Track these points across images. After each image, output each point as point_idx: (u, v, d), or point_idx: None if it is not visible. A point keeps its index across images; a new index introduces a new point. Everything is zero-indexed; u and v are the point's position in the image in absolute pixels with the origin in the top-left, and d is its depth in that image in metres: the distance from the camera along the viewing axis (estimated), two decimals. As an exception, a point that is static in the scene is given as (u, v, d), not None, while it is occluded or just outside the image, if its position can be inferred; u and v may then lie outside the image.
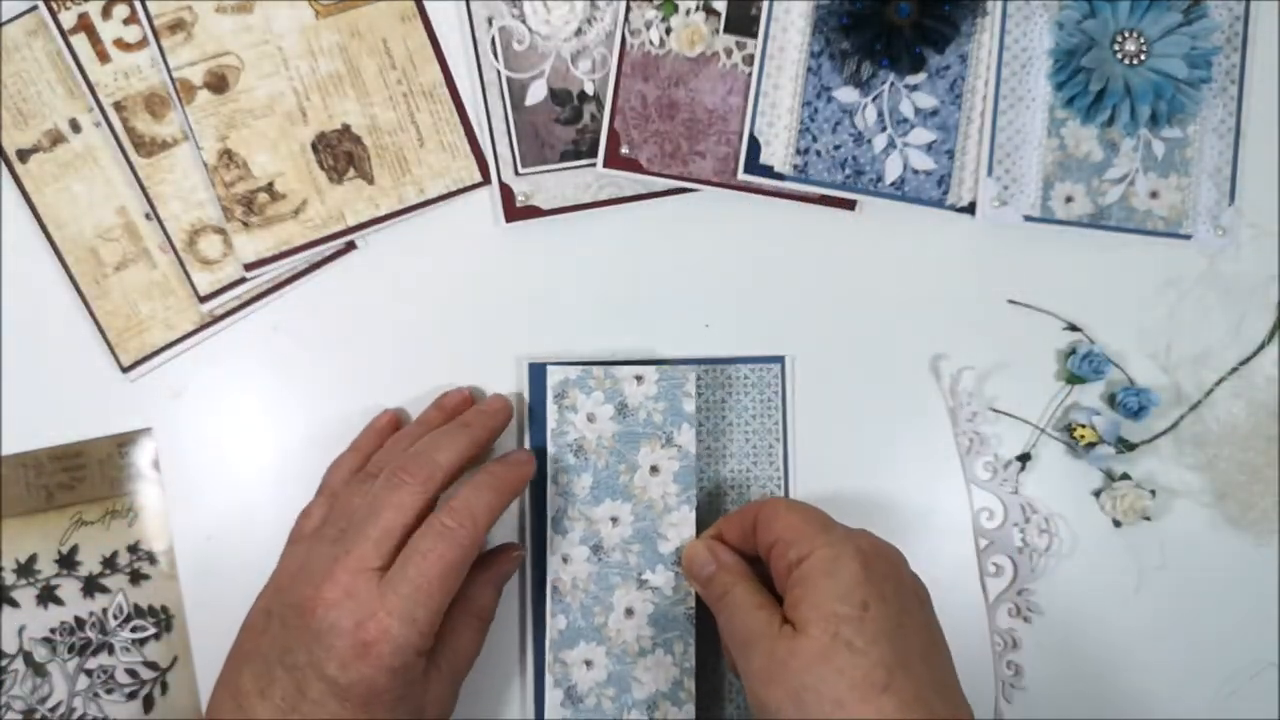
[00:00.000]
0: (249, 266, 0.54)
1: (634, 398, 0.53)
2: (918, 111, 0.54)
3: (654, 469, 0.53)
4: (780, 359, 0.55)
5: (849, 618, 0.43)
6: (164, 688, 0.54)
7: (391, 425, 0.54)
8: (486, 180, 0.55)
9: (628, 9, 0.53)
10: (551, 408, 0.53)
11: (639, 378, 0.53)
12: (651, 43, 0.54)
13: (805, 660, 0.43)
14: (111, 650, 0.54)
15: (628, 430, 0.53)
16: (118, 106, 0.53)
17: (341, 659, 0.44)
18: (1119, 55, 0.53)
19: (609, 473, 0.53)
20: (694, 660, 0.53)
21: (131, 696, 0.54)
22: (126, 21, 0.53)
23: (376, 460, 0.51)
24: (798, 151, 0.54)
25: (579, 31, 0.54)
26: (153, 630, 0.54)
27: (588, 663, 0.53)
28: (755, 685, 0.45)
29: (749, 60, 0.54)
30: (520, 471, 0.51)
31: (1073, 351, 0.55)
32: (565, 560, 0.53)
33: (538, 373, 0.55)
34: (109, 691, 0.54)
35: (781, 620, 0.45)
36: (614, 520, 0.53)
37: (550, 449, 0.53)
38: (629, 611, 0.53)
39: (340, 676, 0.44)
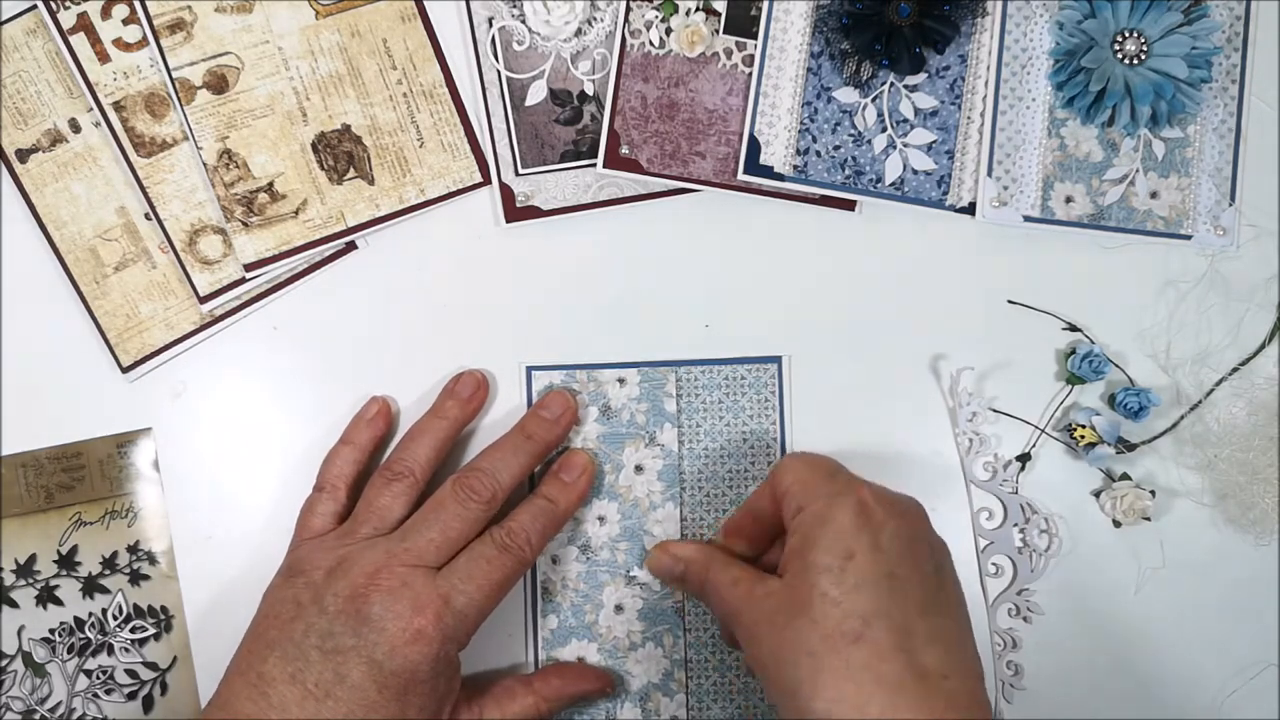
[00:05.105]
0: (249, 267, 0.54)
1: (617, 399, 0.54)
2: (918, 112, 0.54)
3: (638, 468, 0.54)
4: (777, 359, 0.55)
5: (829, 567, 0.43)
6: (164, 688, 0.54)
7: (382, 415, 0.54)
8: (486, 181, 0.55)
9: (628, 9, 0.53)
10: None
11: (621, 380, 0.54)
12: (651, 43, 0.54)
13: (785, 614, 0.43)
14: (111, 650, 0.54)
15: (612, 431, 0.54)
16: (117, 106, 0.53)
17: (392, 643, 0.45)
18: (1119, 55, 0.53)
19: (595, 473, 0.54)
20: (684, 652, 0.54)
21: (131, 697, 0.54)
22: (126, 21, 0.53)
23: (396, 456, 0.51)
24: (798, 152, 0.54)
25: (579, 32, 0.54)
26: (152, 630, 0.54)
27: (580, 660, 0.54)
28: (747, 649, 0.45)
29: (749, 60, 0.54)
30: (577, 493, 0.53)
31: (1073, 351, 0.55)
32: (554, 561, 0.54)
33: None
34: (108, 692, 0.54)
35: (764, 578, 0.46)
36: (601, 519, 0.54)
37: None
38: (619, 608, 0.54)
39: (387, 661, 0.45)
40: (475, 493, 0.49)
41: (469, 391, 0.53)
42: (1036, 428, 0.55)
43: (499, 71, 0.54)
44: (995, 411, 0.55)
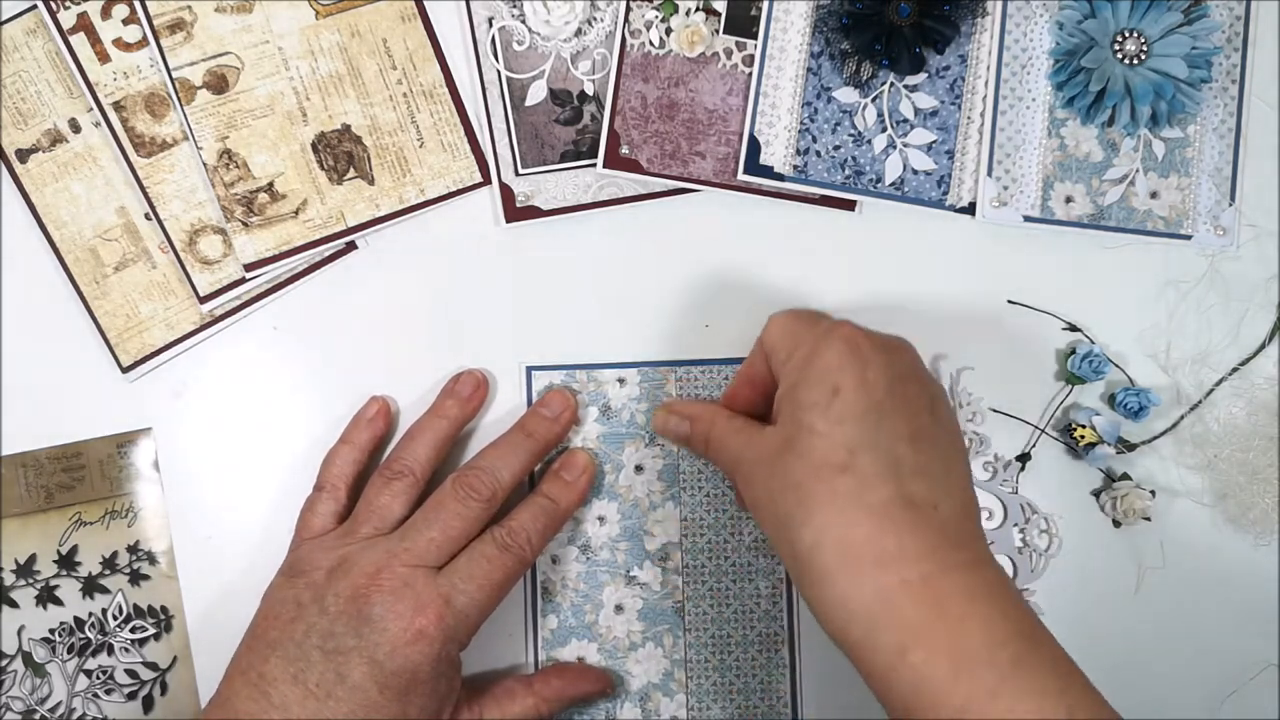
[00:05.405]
0: (249, 267, 0.54)
1: (617, 399, 0.54)
2: (917, 112, 0.54)
3: (638, 468, 0.54)
4: (780, 359, 0.55)
5: (816, 403, 0.42)
6: (164, 688, 0.54)
7: (382, 415, 0.53)
8: (486, 180, 0.55)
9: (628, 9, 0.53)
10: None
11: (621, 380, 0.54)
12: (651, 43, 0.54)
13: (773, 452, 0.43)
14: (111, 650, 0.54)
15: (612, 431, 0.54)
16: (117, 106, 0.53)
17: (393, 643, 0.45)
18: (1119, 55, 0.53)
19: (595, 472, 0.54)
20: (684, 652, 0.54)
21: (131, 697, 0.54)
22: (126, 21, 0.53)
23: (396, 456, 0.51)
24: (798, 152, 0.54)
25: (579, 32, 0.54)
26: (152, 630, 0.54)
27: (580, 660, 0.54)
28: (746, 494, 0.45)
29: (749, 60, 0.54)
30: (578, 492, 0.52)
31: (1073, 351, 0.55)
32: (554, 561, 0.54)
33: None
34: (108, 692, 0.54)
35: (762, 426, 0.46)
36: (601, 519, 0.54)
37: None
38: (619, 608, 0.54)
39: (388, 662, 0.45)
40: (475, 491, 0.49)
41: (469, 391, 0.53)
42: (1036, 428, 0.55)
43: (499, 71, 0.54)
44: (995, 411, 0.55)
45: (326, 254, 0.55)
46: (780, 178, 0.54)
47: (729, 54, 0.54)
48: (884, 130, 0.54)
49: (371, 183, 0.54)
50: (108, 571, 0.54)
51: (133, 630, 0.54)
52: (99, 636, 0.54)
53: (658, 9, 0.53)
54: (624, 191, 0.55)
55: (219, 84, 0.53)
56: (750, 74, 0.54)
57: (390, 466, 0.51)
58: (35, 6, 0.53)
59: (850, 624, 0.40)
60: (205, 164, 0.53)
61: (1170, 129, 0.55)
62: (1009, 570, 0.55)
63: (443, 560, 0.48)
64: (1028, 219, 0.55)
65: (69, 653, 0.54)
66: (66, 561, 0.54)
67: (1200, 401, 0.55)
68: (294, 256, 0.54)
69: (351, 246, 0.55)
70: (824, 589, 0.40)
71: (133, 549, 0.54)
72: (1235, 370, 0.55)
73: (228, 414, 0.55)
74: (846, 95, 0.54)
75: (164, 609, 0.54)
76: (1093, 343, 0.55)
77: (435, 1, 0.54)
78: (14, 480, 0.54)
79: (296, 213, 0.54)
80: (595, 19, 0.54)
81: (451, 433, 0.53)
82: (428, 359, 0.55)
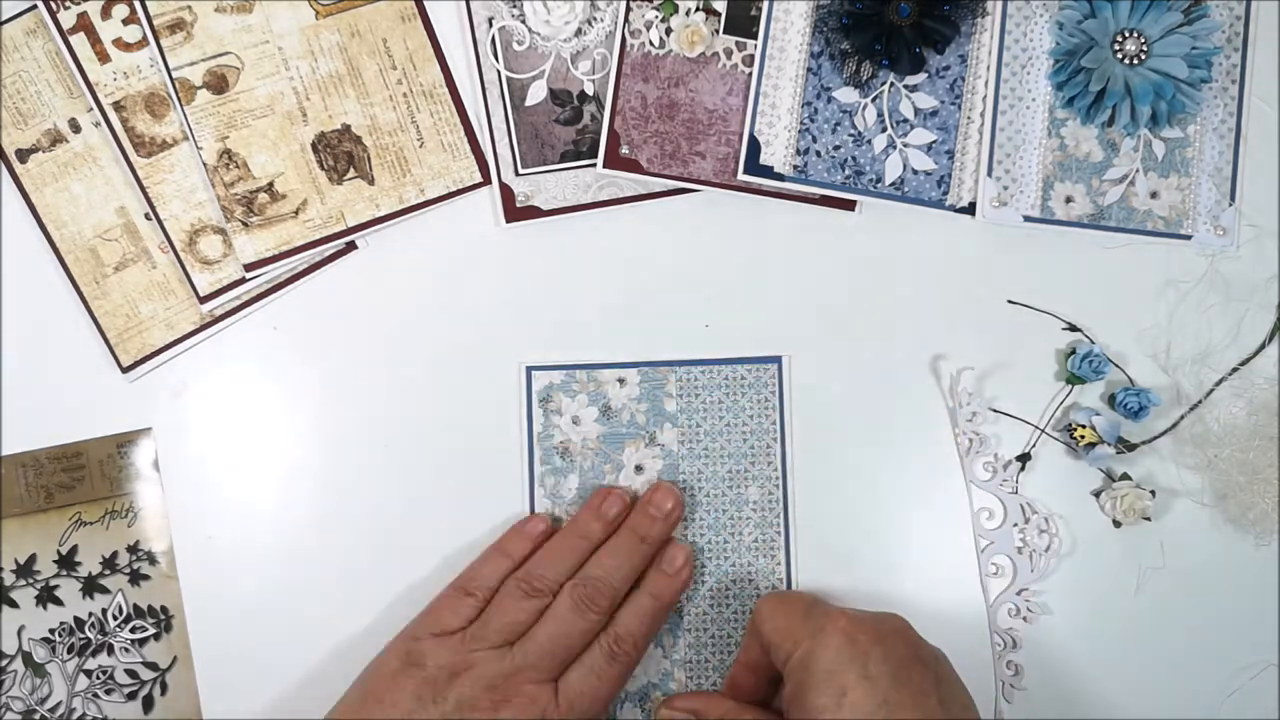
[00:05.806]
0: (249, 267, 0.54)
1: (617, 399, 0.54)
2: (918, 112, 0.54)
3: (638, 468, 0.54)
4: (777, 359, 0.55)
5: (825, 707, 0.44)
6: (163, 688, 0.54)
7: (546, 536, 0.53)
8: (486, 180, 0.55)
9: (628, 9, 0.53)
10: (537, 411, 0.54)
11: (621, 380, 0.54)
12: (651, 43, 0.54)
13: None
14: (111, 650, 0.54)
15: (612, 431, 0.54)
16: (117, 106, 0.53)
17: None
18: (1119, 55, 0.53)
19: (595, 473, 0.54)
20: (684, 652, 0.54)
21: (131, 697, 0.54)
22: (126, 21, 0.53)
23: (538, 574, 0.51)
24: (798, 152, 0.54)
25: (579, 32, 0.54)
26: (152, 630, 0.54)
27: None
28: None
29: (749, 60, 0.54)
30: (680, 583, 0.53)
31: (1073, 351, 0.55)
32: None
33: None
34: (108, 692, 0.54)
35: None
36: None
37: (536, 452, 0.54)
38: None
39: None
40: (594, 604, 0.50)
41: (614, 513, 0.53)
42: (1036, 428, 0.55)
43: (499, 71, 0.54)
44: (995, 411, 0.55)
45: (326, 254, 0.55)
46: (780, 178, 0.54)
47: (729, 54, 0.54)
48: (884, 130, 0.54)
49: (371, 183, 0.54)
50: (108, 571, 0.54)
51: (133, 630, 0.54)
52: (99, 636, 0.54)
53: (658, 9, 0.53)
54: (624, 191, 0.55)
55: (219, 84, 0.53)
56: (750, 74, 0.54)
57: (530, 583, 0.51)
58: (35, 6, 0.53)
59: None
60: (205, 164, 0.53)
61: (1170, 129, 0.55)
62: (1009, 570, 0.55)
63: (559, 670, 0.49)
64: (1028, 219, 0.55)
65: (69, 653, 0.54)
66: (66, 561, 0.54)
67: (1200, 401, 0.55)
68: (294, 256, 0.54)
69: (351, 246, 0.55)
70: None
71: (133, 549, 0.54)
72: (1235, 370, 0.55)
73: (228, 414, 0.55)
74: (846, 95, 0.54)
75: (164, 609, 0.54)
76: (1093, 343, 0.55)
77: (435, 1, 0.54)
78: (14, 480, 0.54)
79: (296, 213, 0.54)
80: (595, 19, 0.54)
81: (590, 552, 0.52)
82: (428, 359, 0.55)
